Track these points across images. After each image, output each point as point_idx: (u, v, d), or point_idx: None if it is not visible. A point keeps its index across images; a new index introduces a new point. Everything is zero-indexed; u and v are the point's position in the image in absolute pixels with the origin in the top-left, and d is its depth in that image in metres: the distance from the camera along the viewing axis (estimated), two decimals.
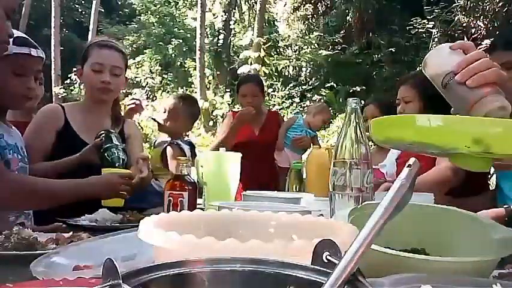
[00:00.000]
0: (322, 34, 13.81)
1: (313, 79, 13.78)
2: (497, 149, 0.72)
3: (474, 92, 0.90)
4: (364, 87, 11.81)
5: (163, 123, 2.99)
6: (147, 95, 14.05)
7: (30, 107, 2.06)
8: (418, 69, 11.20)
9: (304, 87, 13.47)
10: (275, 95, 13.02)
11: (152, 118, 3.18)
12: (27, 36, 1.70)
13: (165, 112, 3.01)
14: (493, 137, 0.72)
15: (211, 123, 12.09)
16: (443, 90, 0.96)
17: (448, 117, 0.80)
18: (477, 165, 0.82)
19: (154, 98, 13.51)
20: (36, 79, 1.75)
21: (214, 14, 15.40)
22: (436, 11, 11.42)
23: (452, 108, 0.98)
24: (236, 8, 15.70)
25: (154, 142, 3.17)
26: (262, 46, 11.59)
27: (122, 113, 2.35)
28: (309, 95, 13.00)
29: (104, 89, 1.98)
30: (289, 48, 14.74)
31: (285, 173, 3.48)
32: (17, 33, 1.57)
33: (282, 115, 4.18)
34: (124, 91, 2.37)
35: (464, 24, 10.71)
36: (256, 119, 3.41)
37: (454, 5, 10.99)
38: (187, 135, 3.15)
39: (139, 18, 17.61)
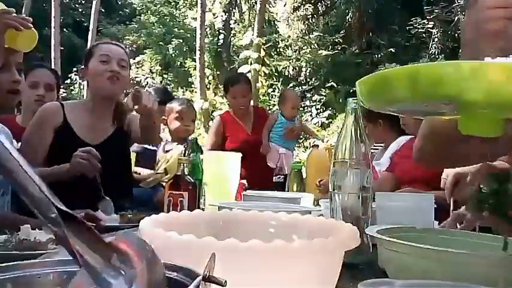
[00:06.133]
0: (322, 34, 13.81)
1: (313, 79, 13.78)
2: None
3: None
4: None
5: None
6: None
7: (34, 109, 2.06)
8: None
9: (304, 87, 13.46)
10: (275, 95, 13.01)
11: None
12: None
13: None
14: None
15: (211, 123, 12.08)
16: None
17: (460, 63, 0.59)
18: (489, 130, 0.68)
19: None
20: (20, 71, 1.67)
21: (214, 14, 15.39)
22: (436, 11, 11.41)
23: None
24: (236, 8, 15.69)
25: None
26: (262, 46, 11.57)
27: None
28: (309, 95, 13.00)
29: (112, 78, 1.96)
30: (289, 48, 14.73)
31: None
32: None
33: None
34: (125, 91, 2.34)
35: None
36: (246, 118, 3.43)
37: (454, 5, 10.98)
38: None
39: (140, 18, 17.61)
